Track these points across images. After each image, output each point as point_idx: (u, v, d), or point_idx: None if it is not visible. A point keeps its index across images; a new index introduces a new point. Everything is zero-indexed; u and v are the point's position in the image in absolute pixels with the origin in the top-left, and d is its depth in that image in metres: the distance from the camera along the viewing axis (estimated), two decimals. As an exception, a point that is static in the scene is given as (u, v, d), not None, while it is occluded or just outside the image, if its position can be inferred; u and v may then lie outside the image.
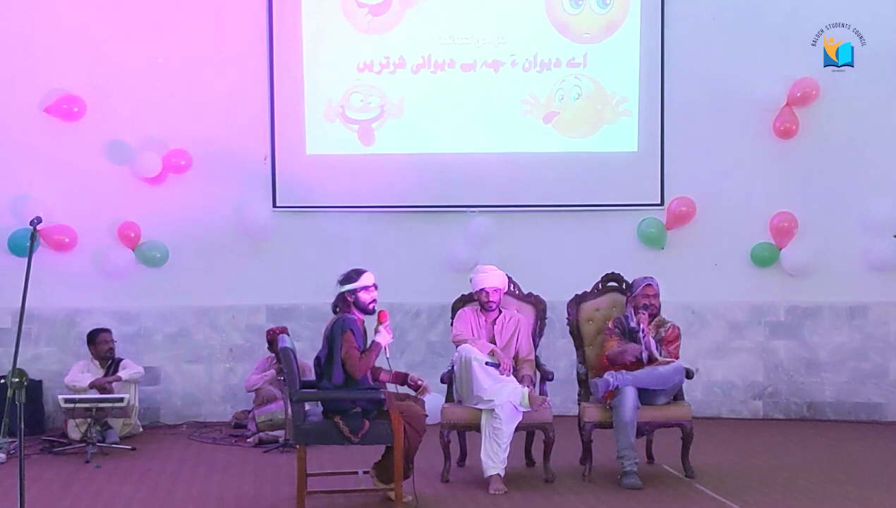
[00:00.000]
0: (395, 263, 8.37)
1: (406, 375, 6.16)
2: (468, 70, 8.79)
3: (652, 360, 6.48)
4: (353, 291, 5.92)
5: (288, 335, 7.74)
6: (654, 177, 8.86)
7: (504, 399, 6.25)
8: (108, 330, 8.15)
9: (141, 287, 8.66)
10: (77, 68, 8.52)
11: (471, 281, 6.69)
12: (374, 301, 5.97)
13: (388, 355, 5.97)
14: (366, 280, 5.95)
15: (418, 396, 6.09)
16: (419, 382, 6.10)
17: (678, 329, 6.68)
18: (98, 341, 8.05)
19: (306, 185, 8.77)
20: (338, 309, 5.97)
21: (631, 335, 6.59)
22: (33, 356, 8.46)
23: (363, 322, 5.99)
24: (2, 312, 8.37)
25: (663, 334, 6.60)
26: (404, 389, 6.15)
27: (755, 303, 8.90)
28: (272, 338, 7.84)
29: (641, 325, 6.55)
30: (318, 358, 5.97)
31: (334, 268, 6.10)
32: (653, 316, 6.60)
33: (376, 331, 5.93)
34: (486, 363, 6.35)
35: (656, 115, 8.82)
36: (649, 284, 6.64)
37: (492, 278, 6.61)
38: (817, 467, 6.97)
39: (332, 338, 5.86)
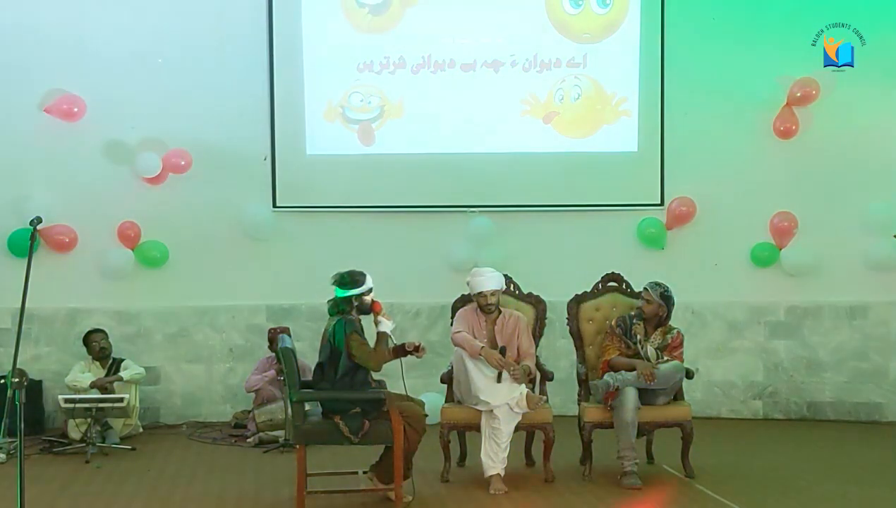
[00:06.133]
0: (395, 263, 8.37)
1: (403, 346, 6.11)
2: (468, 70, 8.78)
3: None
4: (360, 295, 5.93)
5: (289, 336, 7.75)
6: (654, 177, 8.86)
7: (501, 400, 6.25)
8: (99, 331, 8.15)
9: (141, 287, 8.66)
10: (77, 68, 8.51)
11: (468, 284, 6.67)
12: (373, 300, 5.98)
13: (393, 342, 5.98)
14: (370, 282, 5.96)
15: (418, 356, 6.08)
16: (413, 345, 6.08)
17: (682, 335, 6.67)
18: (90, 341, 8.07)
19: (306, 185, 8.77)
20: (338, 312, 5.95)
21: (632, 338, 6.61)
22: (33, 356, 8.46)
23: (360, 321, 6.00)
24: (2, 312, 8.37)
25: (669, 341, 6.60)
26: (407, 374, 6.11)
27: (755, 303, 8.90)
28: (273, 337, 7.85)
29: (638, 337, 6.56)
30: (319, 364, 5.95)
31: (334, 268, 6.08)
32: (644, 319, 6.60)
33: (377, 323, 5.94)
34: (499, 380, 6.31)
35: (656, 115, 8.82)
36: (645, 289, 6.64)
37: (489, 281, 6.57)
38: (817, 467, 6.97)
39: (335, 341, 5.85)
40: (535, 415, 6.32)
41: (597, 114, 8.87)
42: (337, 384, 5.85)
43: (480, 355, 6.36)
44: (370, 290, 5.95)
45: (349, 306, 5.93)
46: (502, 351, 6.39)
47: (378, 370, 5.91)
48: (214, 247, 8.70)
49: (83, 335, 8.17)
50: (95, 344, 8.05)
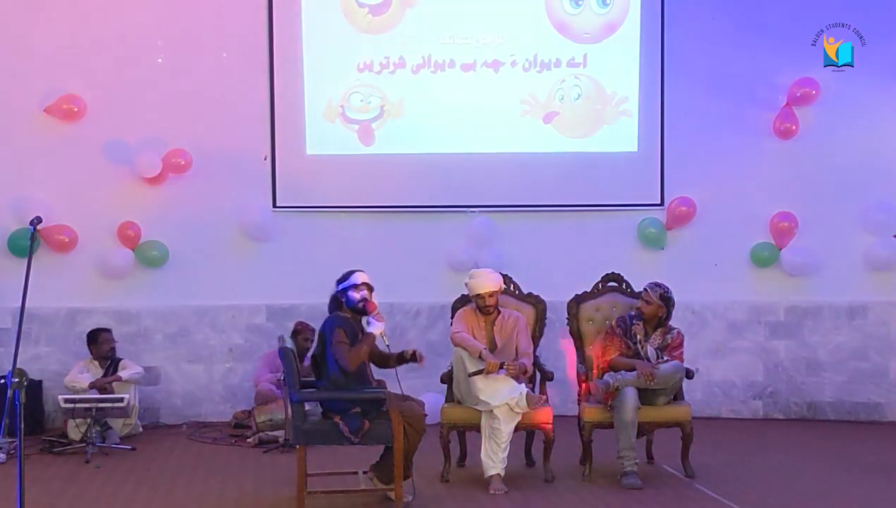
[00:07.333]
0: (396, 263, 8.37)
1: (402, 354, 6.12)
2: (468, 70, 8.78)
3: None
4: (343, 290, 5.93)
5: (312, 338, 7.75)
6: (654, 177, 8.86)
7: (501, 400, 6.24)
8: (108, 330, 8.16)
9: (141, 287, 8.66)
10: (77, 68, 8.51)
11: (466, 285, 6.66)
12: (364, 299, 5.92)
13: (386, 342, 5.97)
14: (354, 278, 5.94)
15: (418, 363, 6.08)
16: (410, 352, 6.09)
17: (682, 335, 6.67)
18: (100, 341, 8.05)
19: (306, 185, 8.77)
20: (331, 310, 5.98)
21: (632, 338, 6.61)
22: (33, 356, 8.46)
23: (359, 321, 5.99)
24: (2, 312, 8.37)
25: (668, 341, 6.59)
26: (407, 375, 6.12)
27: (755, 303, 8.91)
28: (299, 330, 8.00)
29: (638, 337, 6.56)
30: (313, 357, 6.01)
31: (334, 268, 6.10)
32: (644, 320, 6.59)
33: (367, 323, 5.94)
34: (470, 374, 6.32)
35: (656, 115, 8.82)
36: (645, 289, 6.63)
37: (486, 283, 6.55)
38: (817, 467, 6.97)
39: (323, 337, 5.90)
40: (535, 415, 6.32)
41: (597, 115, 8.87)
42: (329, 377, 5.86)
43: (480, 356, 6.36)
44: (355, 286, 5.91)
45: (336, 302, 5.95)
46: (502, 366, 6.38)
47: (350, 369, 5.82)
48: (214, 247, 8.70)
49: (89, 333, 8.14)
50: (106, 344, 8.04)
